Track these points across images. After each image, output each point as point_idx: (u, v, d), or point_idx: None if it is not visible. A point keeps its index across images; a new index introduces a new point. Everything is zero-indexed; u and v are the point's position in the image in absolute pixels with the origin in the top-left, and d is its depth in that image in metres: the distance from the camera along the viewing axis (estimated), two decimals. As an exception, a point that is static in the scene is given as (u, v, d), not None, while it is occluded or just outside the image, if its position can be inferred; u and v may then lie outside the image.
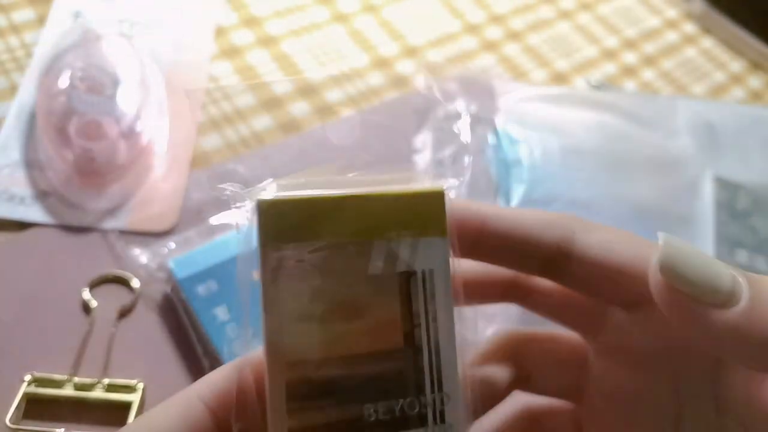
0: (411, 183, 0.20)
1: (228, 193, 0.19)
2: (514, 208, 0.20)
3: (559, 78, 0.53)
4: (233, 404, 0.18)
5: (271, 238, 0.18)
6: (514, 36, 0.55)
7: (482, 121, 0.46)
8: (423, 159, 0.44)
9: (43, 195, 0.38)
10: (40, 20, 0.46)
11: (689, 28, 0.60)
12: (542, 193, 0.39)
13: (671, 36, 0.59)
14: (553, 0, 0.59)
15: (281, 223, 0.18)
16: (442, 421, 0.19)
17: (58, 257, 0.36)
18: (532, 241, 0.20)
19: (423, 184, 0.20)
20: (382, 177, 0.20)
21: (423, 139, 0.45)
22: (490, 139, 0.44)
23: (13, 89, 0.42)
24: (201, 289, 0.34)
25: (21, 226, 0.37)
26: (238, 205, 0.19)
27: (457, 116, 0.46)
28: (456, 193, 0.42)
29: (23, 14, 0.46)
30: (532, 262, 0.21)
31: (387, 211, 0.19)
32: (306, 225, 0.19)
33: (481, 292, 0.23)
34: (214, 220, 0.38)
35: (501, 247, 0.21)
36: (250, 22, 0.50)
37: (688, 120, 0.43)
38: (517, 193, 0.40)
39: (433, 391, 0.19)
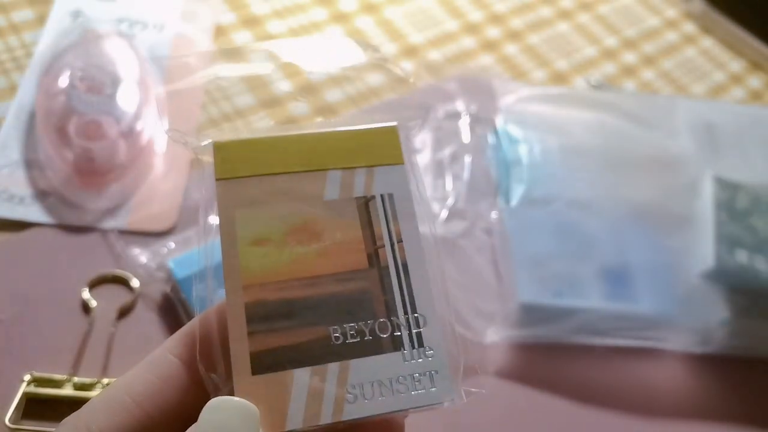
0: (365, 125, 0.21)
1: (185, 140, 0.20)
2: None
3: (559, 78, 0.53)
4: (197, 351, 0.18)
5: (224, 171, 0.19)
6: (513, 36, 0.55)
7: (482, 120, 0.46)
8: (422, 159, 0.44)
9: (42, 195, 0.38)
10: (40, 20, 0.46)
11: (689, 27, 0.60)
12: (542, 192, 0.39)
13: (671, 36, 0.59)
14: (552, 0, 0.59)
15: (234, 159, 0.19)
16: (420, 344, 0.18)
17: (57, 257, 0.36)
18: None
19: (376, 123, 0.21)
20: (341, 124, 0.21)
21: (422, 139, 0.45)
22: (490, 138, 0.44)
23: (12, 89, 0.42)
24: (200, 289, 0.34)
25: (21, 225, 0.37)
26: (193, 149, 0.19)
27: (457, 116, 0.46)
28: (456, 191, 0.42)
29: (23, 14, 0.46)
30: None
31: (340, 145, 0.20)
32: (258, 160, 0.19)
33: None
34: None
35: None
36: (250, 21, 0.50)
37: (688, 120, 0.43)
38: (517, 192, 0.40)
39: (405, 313, 0.19)
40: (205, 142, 0.19)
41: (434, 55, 0.52)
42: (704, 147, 0.42)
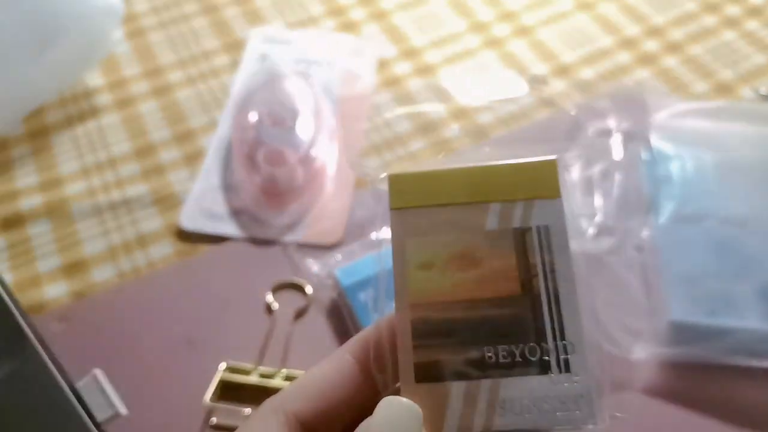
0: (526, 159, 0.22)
1: (365, 172, 0.22)
2: None
3: (724, 89, 0.51)
4: (371, 355, 0.21)
5: (397, 202, 0.21)
6: (673, 48, 0.54)
7: (635, 137, 0.46)
8: (571, 176, 0.45)
9: (236, 213, 0.45)
10: (234, 64, 0.54)
11: None
12: (693, 209, 0.39)
13: None
14: (717, 8, 0.57)
15: (405, 190, 0.22)
16: (567, 370, 0.19)
17: (247, 266, 0.43)
18: None
19: (536, 157, 0.22)
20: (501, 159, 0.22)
21: (572, 156, 0.46)
22: (643, 155, 0.44)
23: (213, 124, 0.50)
24: (362, 296, 0.39)
25: (220, 239, 0.44)
26: (376, 181, 0.22)
27: (608, 133, 0.47)
28: (605, 208, 0.43)
29: (221, 60, 0.55)
30: None
31: (502, 178, 0.22)
32: (427, 192, 0.21)
33: None
34: (375, 235, 0.42)
35: None
36: (409, 53, 0.55)
37: None
38: (667, 209, 0.39)
39: (555, 339, 0.20)
40: (383, 175, 0.22)
41: (588, 72, 0.53)
42: None
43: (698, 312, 0.37)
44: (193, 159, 0.48)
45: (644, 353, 0.37)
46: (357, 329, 0.38)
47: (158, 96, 0.52)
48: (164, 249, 0.44)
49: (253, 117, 0.45)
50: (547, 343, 0.20)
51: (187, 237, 0.44)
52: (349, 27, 0.57)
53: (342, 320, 0.40)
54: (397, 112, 0.50)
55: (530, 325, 0.20)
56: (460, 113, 0.50)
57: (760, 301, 0.36)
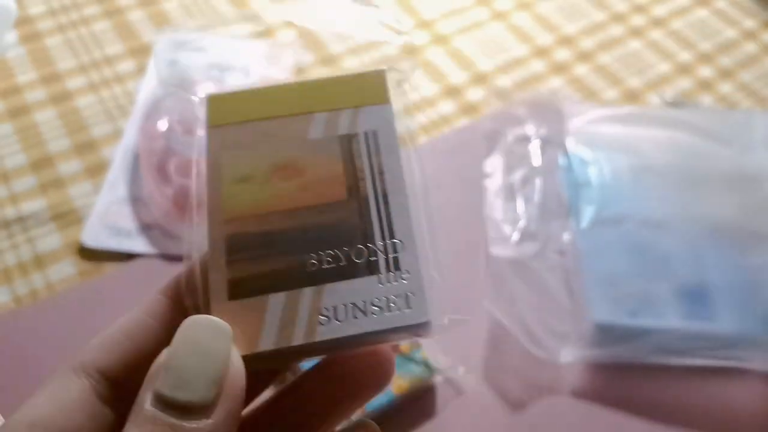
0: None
1: (187, 96, 0.21)
2: None
3: (632, 96, 0.53)
4: (182, 281, 0.19)
5: (215, 120, 0.20)
6: (583, 57, 0.56)
7: (552, 143, 0.46)
8: (494, 183, 0.45)
9: (146, 228, 0.42)
10: (140, 70, 0.51)
11: (769, 37, 0.59)
12: (612, 213, 0.40)
13: (749, 47, 0.58)
14: (623, 18, 0.59)
15: (223, 109, 0.21)
16: (396, 268, 0.19)
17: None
18: None
19: (365, 70, 0.21)
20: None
21: (493, 163, 0.46)
22: (561, 160, 0.45)
23: (118, 134, 0.47)
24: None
25: (128, 256, 0.41)
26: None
27: (527, 140, 0.47)
28: (527, 214, 0.43)
29: (126, 65, 0.51)
30: None
31: (328, 90, 0.21)
32: (248, 109, 0.21)
33: None
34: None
35: None
36: (327, 60, 0.53)
37: (766, 134, 0.42)
38: (588, 213, 0.40)
39: (383, 239, 0.19)
40: (202, 96, 0.21)
41: (504, 81, 0.53)
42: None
43: (620, 313, 0.37)
44: (95, 171, 0.45)
45: (571, 356, 0.37)
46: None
47: (56, 104, 0.48)
48: (65, 269, 0.40)
49: (162, 125, 0.43)
50: (374, 243, 0.19)
51: (90, 255, 0.41)
52: (264, 32, 0.55)
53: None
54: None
55: (357, 227, 0.19)
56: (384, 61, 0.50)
57: (678, 301, 0.37)
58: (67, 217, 0.43)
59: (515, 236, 0.42)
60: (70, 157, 0.46)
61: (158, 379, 0.16)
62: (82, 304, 0.39)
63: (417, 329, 0.18)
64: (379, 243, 0.19)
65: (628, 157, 0.42)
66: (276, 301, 0.18)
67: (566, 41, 0.57)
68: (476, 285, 0.40)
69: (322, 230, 0.19)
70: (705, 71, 0.56)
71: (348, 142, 0.20)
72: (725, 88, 0.54)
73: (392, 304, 0.18)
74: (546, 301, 0.39)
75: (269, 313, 0.18)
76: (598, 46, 0.57)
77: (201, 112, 0.21)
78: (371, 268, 0.19)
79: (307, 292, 0.18)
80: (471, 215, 0.44)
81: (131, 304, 0.39)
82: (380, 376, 0.20)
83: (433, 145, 0.48)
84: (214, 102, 0.21)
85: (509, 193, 0.44)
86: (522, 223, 0.42)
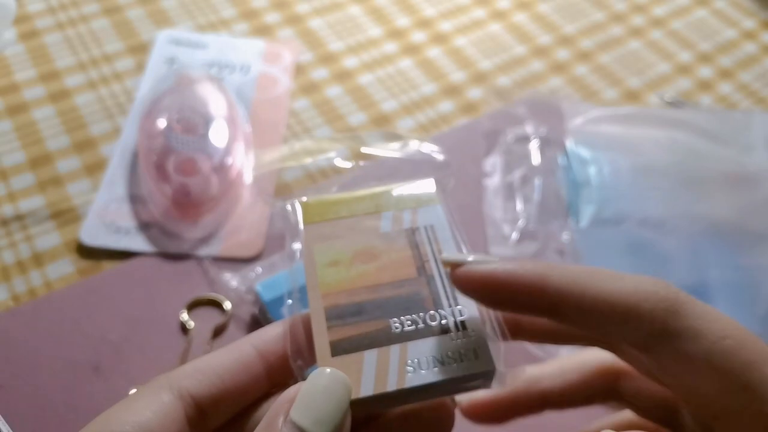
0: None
1: (280, 207, 0.26)
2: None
3: (632, 96, 0.53)
4: (288, 344, 0.23)
5: (308, 220, 0.26)
6: (583, 56, 0.56)
7: (552, 143, 0.46)
8: (493, 182, 0.45)
9: (145, 226, 0.42)
10: (139, 68, 0.51)
11: (769, 38, 0.59)
12: (612, 212, 0.40)
13: (749, 47, 0.58)
14: (623, 18, 0.59)
15: (313, 211, 0.26)
16: (464, 327, 0.23)
17: (159, 282, 0.40)
18: (631, 320, 0.20)
19: (416, 180, 0.27)
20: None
21: (492, 162, 0.46)
22: (560, 160, 0.45)
23: (117, 131, 0.47)
24: (285, 310, 0.37)
25: (127, 255, 0.41)
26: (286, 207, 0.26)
27: (527, 139, 0.47)
28: (527, 213, 0.44)
29: (125, 63, 0.51)
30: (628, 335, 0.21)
31: (390, 197, 0.27)
32: (331, 210, 0.26)
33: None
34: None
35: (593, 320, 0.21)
36: (326, 59, 0.53)
37: (765, 134, 0.42)
38: (587, 213, 0.40)
39: (450, 306, 0.23)
40: (297, 205, 0.26)
41: (503, 80, 0.53)
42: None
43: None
44: (94, 169, 0.45)
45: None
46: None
47: (55, 101, 0.48)
48: (63, 267, 0.40)
49: (161, 123, 0.43)
50: (444, 309, 0.23)
51: (89, 253, 0.41)
52: (263, 31, 0.55)
53: (263, 337, 0.38)
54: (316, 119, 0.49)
55: (428, 297, 0.24)
56: (382, 120, 0.50)
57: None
58: (65, 215, 0.42)
59: (514, 236, 0.42)
60: (68, 154, 0.45)
61: (293, 410, 0.19)
62: (82, 302, 0.39)
63: (485, 377, 0.22)
64: (447, 309, 0.23)
65: (628, 156, 0.42)
66: (370, 356, 0.22)
67: (566, 41, 0.57)
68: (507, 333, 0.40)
69: (400, 300, 0.24)
70: (704, 71, 0.56)
71: (412, 233, 0.26)
72: (725, 88, 0.55)
73: (464, 357, 0.22)
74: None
75: (366, 365, 0.22)
76: (597, 46, 0.57)
77: (297, 214, 0.26)
78: (443, 329, 0.23)
79: (395, 348, 0.22)
80: (470, 214, 0.44)
81: (130, 302, 0.39)
82: (444, 420, 0.23)
83: (431, 144, 0.48)
84: (306, 207, 0.26)
85: (509, 192, 0.44)
86: (521, 223, 0.42)
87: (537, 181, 0.44)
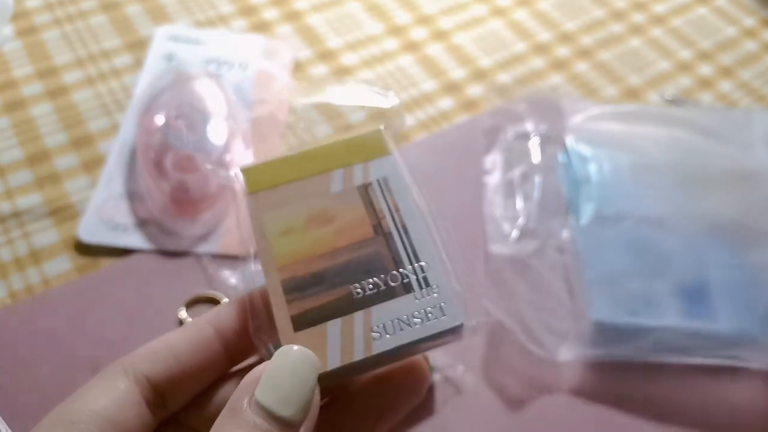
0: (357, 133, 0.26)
1: (225, 175, 0.25)
2: None
3: (632, 93, 0.53)
4: (246, 312, 0.22)
5: (251, 188, 0.24)
6: (584, 53, 0.56)
7: (552, 140, 0.46)
8: (493, 179, 0.45)
9: (143, 223, 0.42)
10: (138, 64, 0.51)
11: (769, 35, 0.59)
12: (612, 210, 0.39)
13: (750, 45, 0.58)
14: (623, 16, 0.59)
15: (257, 177, 0.25)
16: (427, 285, 0.22)
17: (157, 280, 0.40)
18: None
19: (364, 130, 0.26)
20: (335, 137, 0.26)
21: (493, 160, 0.46)
22: (560, 157, 0.45)
23: (115, 128, 0.47)
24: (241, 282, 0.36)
25: (124, 252, 0.41)
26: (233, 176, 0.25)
27: (527, 137, 0.47)
28: (527, 211, 0.44)
29: (123, 59, 0.51)
30: None
31: (338, 152, 0.25)
32: (276, 175, 0.25)
33: None
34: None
35: None
36: (325, 55, 0.53)
37: (765, 132, 0.42)
38: (587, 210, 0.40)
39: (411, 263, 0.23)
40: (236, 170, 0.25)
41: (504, 77, 0.53)
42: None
43: (620, 312, 0.37)
44: (92, 165, 0.45)
45: (570, 354, 0.37)
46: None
47: (53, 98, 0.48)
48: (61, 264, 0.40)
49: (159, 120, 0.42)
50: (405, 268, 0.23)
51: (87, 250, 0.41)
52: (262, 27, 0.54)
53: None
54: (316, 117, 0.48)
55: (387, 257, 0.23)
56: (380, 116, 0.49)
57: (678, 299, 0.37)
58: (63, 212, 0.42)
59: (514, 234, 0.41)
60: (66, 151, 0.45)
61: (258, 390, 0.19)
62: (80, 299, 0.38)
63: (453, 332, 0.21)
64: (409, 267, 0.23)
65: (628, 154, 0.41)
66: (334, 327, 0.22)
67: (566, 38, 0.57)
68: (475, 282, 0.40)
69: (359, 264, 0.23)
70: (705, 69, 0.55)
71: (365, 190, 0.24)
72: (725, 86, 0.54)
73: (430, 315, 0.22)
74: (545, 299, 0.39)
75: (330, 337, 0.21)
76: (598, 43, 0.57)
77: (238, 183, 0.25)
78: (407, 288, 0.22)
79: (358, 315, 0.22)
80: (470, 212, 0.44)
81: (128, 299, 0.39)
82: (418, 381, 0.23)
83: (432, 141, 0.48)
84: (247, 173, 0.25)
85: (509, 190, 0.44)
86: (521, 221, 0.42)
87: (537, 179, 0.44)
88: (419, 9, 0.58)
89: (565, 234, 0.41)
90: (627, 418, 0.36)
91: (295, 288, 0.22)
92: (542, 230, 0.42)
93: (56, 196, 0.43)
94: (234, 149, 0.43)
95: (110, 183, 0.44)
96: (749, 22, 0.60)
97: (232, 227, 0.42)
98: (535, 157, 0.45)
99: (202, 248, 0.41)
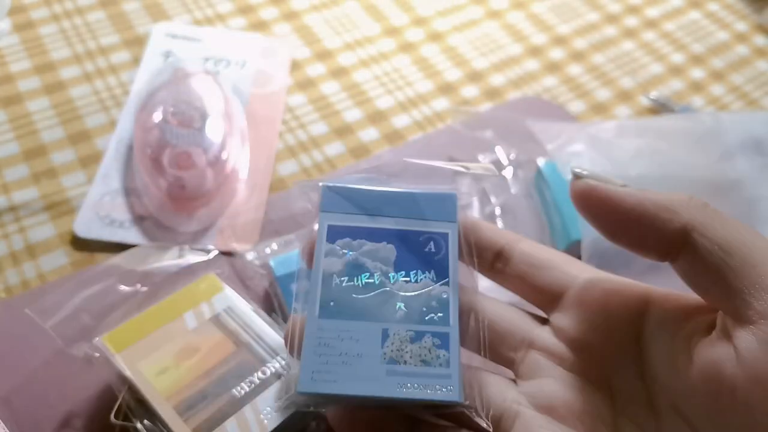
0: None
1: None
2: (637, 190, 0.22)
3: (625, 96, 0.54)
4: None
5: (116, 349, 0.31)
6: (577, 56, 0.56)
7: (524, 167, 0.46)
8: (473, 213, 0.44)
9: (140, 219, 0.42)
10: (135, 60, 0.51)
11: (760, 40, 0.59)
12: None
13: (741, 49, 0.59)
14: (617, 19, 0.60)
15: (119, 339, 0.31)
16: (289, 367, 0.29)
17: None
18: (657, 223, 0.21)
19: (197, 280, 0.35)
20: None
21: (467, 194, 0.45)
22: (537, 183, 0.44)
23: (112, 124, 0.47)
24: (294, 287, 0.37)
25: (121, 247, 0.41)
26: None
27: (499, 166, 0.46)
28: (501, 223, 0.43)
29: (120, 56, 0.51)
30: (653, 242, 0.22)
31: (183, 300, 0.33)
32: (135, 332, 0.32)
33: None
34: (316, 225, 0.40)
35: (625, 224, 0.22)
36: (323, 55, 0.54)
37: (741, 139, 0.43)
38: (569, 233, 0.40)
39: (271, 357, 0.31)
40: (102, 343, 0.32)
41: (498, 79, 0.54)
42: (761, 165, 0.41)
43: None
44: (89, 161, 0.45)
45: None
46: (286, 320, 0.37)
47: (50, 93, 0.48)
48: (57, 259, 0.40)
49: (156, 117, 0.42)
50: (268, 362, 0.31)
51: (83, 246, 0.41)
52: (260, 26, 0.55)
53: (272, 308, 0.38)
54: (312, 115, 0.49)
55: (252, 360, 0.31)
56: (377, 116, 0.50)
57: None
58: (59, 207, 0.42)
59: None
60: (63, 146, 0.45)
61: None
62: (75, 295, 0.39)
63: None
64: (271, 360, 0.31)
65: (604, 169, 0.42)
66: (231, 424, 0.29)
67: (560, 41, 0.57)
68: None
69: (233, 372, 0.30)
70: (697, 73, 0.56)
71: (217, 319, 0.33)
72: (717, 89, 0.55)
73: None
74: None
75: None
76: (591, 46, 0.57)
77: (107, 351, 0.32)
78: (276, 375, 0.31)
79: (247, 408, 0.29)
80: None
81: (124, 296, 0.39)
82: None
83: (429, 139, 0.48)
84: (109, 338, 0.32)
85: (490, 221, 0.44)
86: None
87: (515, 208, 0.44)
88: (415, 10, 0.58)
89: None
90: None
91: (186, 408, 0.29)
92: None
93: (53, 191, 0.43)
94: (231, 146, 0.43)
95: (107, 179, 0.44)
96: (741, 26, 0.61)
97: (228, 224, 0.42)
98: (512, 186, 0.45)
99: (198, 244, 0.41)
